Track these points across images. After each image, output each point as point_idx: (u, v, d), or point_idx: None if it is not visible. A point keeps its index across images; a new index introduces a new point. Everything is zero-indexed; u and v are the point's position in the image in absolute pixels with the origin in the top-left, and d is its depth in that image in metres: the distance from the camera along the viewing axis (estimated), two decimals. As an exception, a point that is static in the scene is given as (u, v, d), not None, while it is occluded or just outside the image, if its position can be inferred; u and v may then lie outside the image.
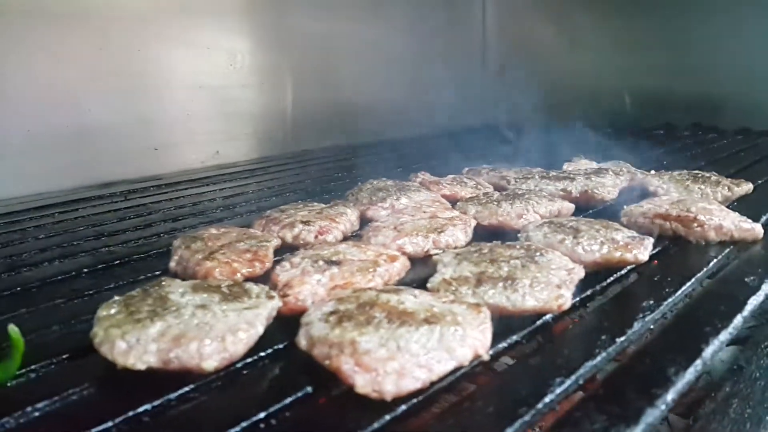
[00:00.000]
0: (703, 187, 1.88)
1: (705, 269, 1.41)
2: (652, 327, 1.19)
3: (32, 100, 2.40)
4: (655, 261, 1.46)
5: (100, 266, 1.56)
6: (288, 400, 0.94)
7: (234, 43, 2.97)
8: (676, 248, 1.57)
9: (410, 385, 0.92)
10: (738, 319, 1.17)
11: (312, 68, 3.27)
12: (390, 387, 0.91)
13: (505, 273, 1.20)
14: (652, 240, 1.44)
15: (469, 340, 0.99)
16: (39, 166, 2.42)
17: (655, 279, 1.37)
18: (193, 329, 1.03)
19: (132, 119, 2.59)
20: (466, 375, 1.00)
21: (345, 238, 1.63)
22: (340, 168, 2.77)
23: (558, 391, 0.94)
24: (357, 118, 3.33)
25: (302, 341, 1.03)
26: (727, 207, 1.71)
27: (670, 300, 1.25)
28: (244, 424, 0.89)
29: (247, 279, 1.36)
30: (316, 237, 1.59)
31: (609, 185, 1.94)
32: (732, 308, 1.20)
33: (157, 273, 1.48)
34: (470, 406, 0.93)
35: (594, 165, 2.31)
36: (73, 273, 1.52)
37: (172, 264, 1.46)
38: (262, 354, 1.08)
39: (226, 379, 1.02)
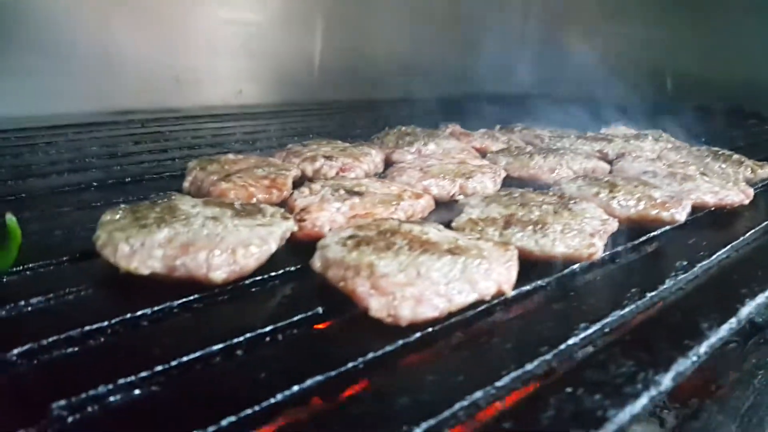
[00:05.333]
0: (724, 165, 1.74)
1: (742, 238, 1.33)
2: (683, 287, 1.11)
3: (59, 21, 2.34)
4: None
5: (110, 181, 1.52)
6: (296, 317, 0.89)
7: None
8: (715, 213, 1.48)
9: (427, 312, 0.86)
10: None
11: (344, 16, 3.17)
12: (406, 312, 0.85)
13: (536, 217, 1.13)
14: (690, 202, 1.35)
15: (494, 275, 0.92)
16: (60, 87, 2.37)
17: (690, 242, 1.30)
18: (203, 239, 0.98)
19: (154, 48, 2.52)
20: (487, 310, 0.93)
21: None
22: (366, 118, 2.69)
23: (582, 335, 0.88)
24: (388, 73, 3.24)
25: (317, 263, 0.97)
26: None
27: (705, 263, 1.18)
28: (248, 334, 0.83)
29: (265, 204, 1.30)
30: (337, 173, 1.53)
31: (647, 149, 1.85)
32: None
33: (172, 193, 1.42)
34: (488, 340, 0.87)
35: (632, 131, 2.21)
36: (82, 185, 1.48)
37: (186, 184, 1.41)
38: (273, 274, 1.02)
39: (234, 293, 0.96)
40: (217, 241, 0.97)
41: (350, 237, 1.00)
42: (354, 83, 3.11)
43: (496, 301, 0.95)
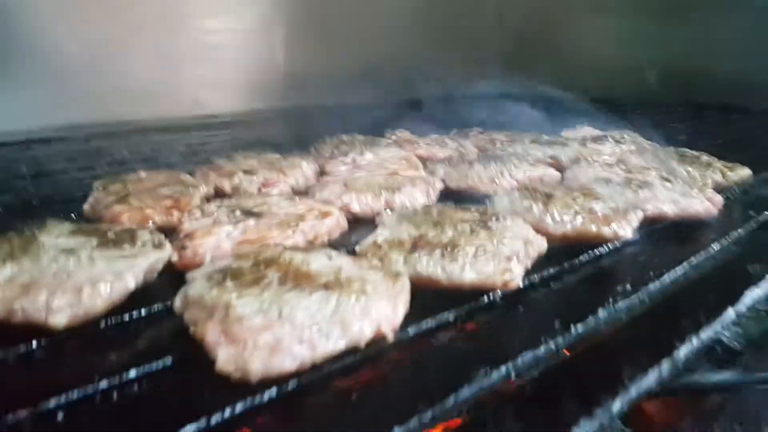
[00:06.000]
0: (690, 169, 1.56)
1: (701, 253, 1.18)
2: (622, 316, 0.97)
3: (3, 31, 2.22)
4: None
5: (16, 205, 1.40)
6: (132, 373, 0.75)
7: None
8: (678, 225, 1.33)
9: (283, 364, 0.72)
10: (730, 314, 0.95)
11: (307, 21, 3.04)
12: (256, 365, 0.71)
13: (447, 238, 0.99)
14: (640, 214, 1.21)
15: (372, 314, 0.78)
16: (8, 101, 2.24)
17: (639, 260, 1.15)
18: (47, 277, 0.85)
19: (101, 55, 2.39)
20: (366, 358, 0.79)
21: (297, 193, 1.43)
22: (328, 125, 2.55)
23: (477, 387, 0.74)
24: (357, 77, 3.10)
25: (177, 301, 0.84)
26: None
27: (651, 286, 1.03)
28: (73, 395, 0.70)
29: (162, 228, 1.17)
30: (259, 190, 1.39)
31: (606, 153, 1.70)
32: (725, 299, 0.98)
33: (72, 216, 1.30)
34: (360, 399, 0.73)
35: (598, 133, 2.06)
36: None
37: (86, 207, 1.29)
38: (134, 314, 0.89)
39: (79, 339, 0.83)
40: (63, 280, 0.85)
41: (221, 270, 0.87)
42: (320, 88, 2.96)
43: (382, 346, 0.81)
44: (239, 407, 0.68)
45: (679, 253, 1.17)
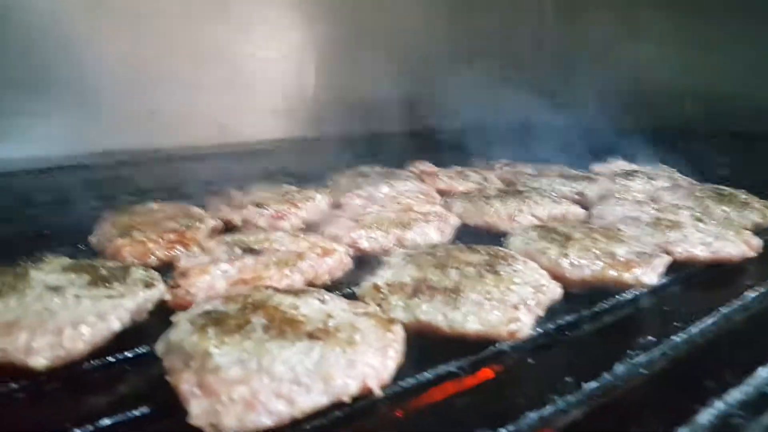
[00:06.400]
0: (727, 209, 1.45)
1: (735, 302, 1.08)
2: (642, 371, 0.88)
3: (34, 57, 2.26)
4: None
5: (23, 236, 1.39)
6: (106, 421, 0.71)
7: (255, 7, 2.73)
8: (712, 270, 1.23)
9: (259, 420, 0.67)
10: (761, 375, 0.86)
11: (337, 50, 3.03)
12: (230, 420, 0.66)
13: (451, 283, 0.93)
14: (666, 259, 1.12)
15: (358, 367, 0.73)
16: (37, 128, 2.27)
17: (664, 310, 1.07)
18: (30, 316, 0.82)
19: (131, 82, 2.41)
20: (353, 414, 0.73)
21: (311, 226, 1.39)
22: (355, 154, 2.51)
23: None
24: (387, 106, 3.07)
25: (159, 346, 0.80)
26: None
27: (675, 338, 0.95)
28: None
29: (165, 263, 1.14)
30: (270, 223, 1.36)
31: (637, 190, 1.61)
32: (759, 357, 0.89)
33: (80, 247, 1.28)
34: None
35: (632, 167, 1.96)
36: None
37: (93, 239, 1.27)
38: (118, 356, 0.85)
39: (60, 381, 0.80)
40: (44, 319, 0.82)
41: (207, 313, 0.82)
42: (349, 117, 2.94)
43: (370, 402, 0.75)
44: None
45: (710, 301, 1.08)
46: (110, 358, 0.84)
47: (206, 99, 2.57)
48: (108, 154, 2.31)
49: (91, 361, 0.83)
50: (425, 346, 0.88)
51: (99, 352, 0.84)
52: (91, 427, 0.71)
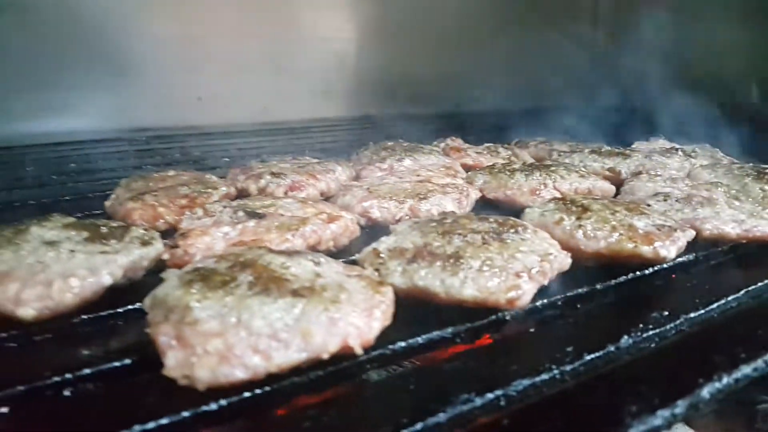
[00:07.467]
0: (767, 187, 1.36)
1: (763, 280, 1.01)
2: (653, 345, 0.83)
3: (78, 37, 2.31)
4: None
5: (48, 200, 1.41)
6: (87, 370, 0.71)
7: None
8: (743, 248, 1.16)
9: (233, 374, 0.65)
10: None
11: (382, 30, 2.99)
12: (203, 373, 0.65)
13: (453, 249, 0.89)
14: (690, 233, 1.05)
15: (340, 326, 0.70)
16: (76, 102, 2.32)
17: (687, 286, 1.00)
18: (23, 268, 0.82)
19: (175, 60, 2.43)
20: (332, 376, 0.71)
21: (327, 198, 1.37)
22: (389, 134, 2.48)
23: (449, 415, 0.64)
24: (428, 87, 3.03)
25: (147, 300, 0.79)
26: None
27: (693, 314, 0.89)
28: (22, 387, 0.67)
29: (176, 228, 1.14)
30: (286, 193, 1.34)
31: (674, 167, 1.53)
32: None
33: (96, 212, 1.29)
34: (318, 417, 0.65)
35: (669, 145, 1.86)
36: (17, 204, 1.39)
37: (108, 203, 1.28)
38: (110, 311, 0.85)
39: (48, 333, 0.80)
40: (36, 272, 0.82)
41: (196, 270, 0.81)
42: (390, 96, 2.91)
43: (355, 359, 0.72)
44: (182, 415, 0.62)
45: (737, 279, 1.01)
46: (102, 313, 0.84)
47: (250, 80, 2.59)
48: (147, 130, 2.35)
49: (83, 316, 0.83)
50: (425, 313, 0.84)
51: (92, 307, 0.84)
52: (69, 376, 0.70)
